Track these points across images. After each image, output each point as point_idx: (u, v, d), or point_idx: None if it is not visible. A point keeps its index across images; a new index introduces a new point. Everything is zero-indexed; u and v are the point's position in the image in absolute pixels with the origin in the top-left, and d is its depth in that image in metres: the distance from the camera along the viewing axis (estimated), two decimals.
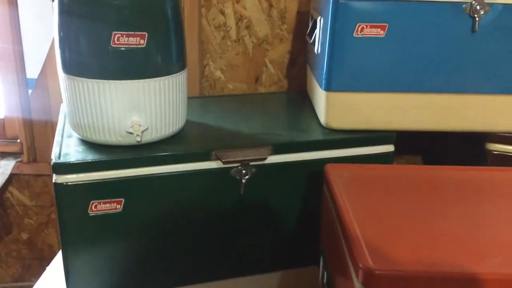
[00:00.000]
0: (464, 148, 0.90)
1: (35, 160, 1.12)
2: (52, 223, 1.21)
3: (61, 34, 0.64)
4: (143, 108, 0.66)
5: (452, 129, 0.78)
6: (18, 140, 1.09)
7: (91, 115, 0.66)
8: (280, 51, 1.08)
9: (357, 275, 0.43)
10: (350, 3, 0.71)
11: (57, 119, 1.08)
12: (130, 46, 0.63)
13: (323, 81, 0.76)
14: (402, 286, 0.41)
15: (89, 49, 0.63)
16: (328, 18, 0.73)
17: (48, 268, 0.85)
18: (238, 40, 1.07)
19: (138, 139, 0.66)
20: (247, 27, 1.06)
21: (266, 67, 1.09)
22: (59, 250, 1.21)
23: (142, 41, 0.63)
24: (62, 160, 0.64)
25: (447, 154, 0.88)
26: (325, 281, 0.59)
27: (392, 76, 0.74)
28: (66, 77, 0.66)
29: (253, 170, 0.71)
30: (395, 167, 0.66)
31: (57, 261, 0.84)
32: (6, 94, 1.06)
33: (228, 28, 1.06)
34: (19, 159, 1.10)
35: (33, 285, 1.28)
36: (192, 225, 0.71)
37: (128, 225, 0.68)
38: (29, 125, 1.09)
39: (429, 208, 0.54)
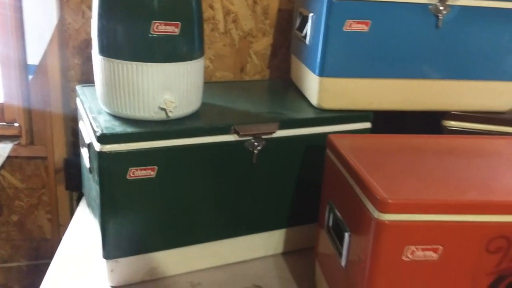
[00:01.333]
0: (424, 125, 1.08)
1: (32, 143, 1.17)
2: (42, 205, 1.25)
3: (103, 23, 0.73)
4: (174, 87, 0.77)
5: (420, 109, 0.96)
6: (17, 124, 1.14)
7: (128, 94, 0.75)
8: (263, 44, 1.21)
9: (375, 207, 0.57)
10: (342, 3, 0.85)
11: (56, 105, 1.15)
12: (167, 33, 0.73)
13: (317, 68, 0.90)
14: (409, 211, 0.57)
15: (131, 36, 0.73)
16: (322, 15, 0.87)
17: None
18: (226, 33, 1.18)
19: (171, 114, 0.77)
20: (234, 21, 1.18)
21: (251, 58, 1.21)
22: (49, 232, 1.27)
23: (176, 30, 0.74)
24: (106, 131, 0.73)
25: (412, 131, 1.06)
26: (331, 224, 0.73)
27: (373, 64, 0.90)
28: (104, 60, 0.75)
29: (264, 142, 0.84)
30: (383, 135, 0.82)
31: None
32: (6, 79, 1.10)
33: (217, 22, 1.17)
34: (17, 142, 1.15)
35: (22, 266, 1.32)
36: (213, 189, 0.83)
37: (160, 189, 0.78)
38: (27, 109, 1.13)
39: (421, 162, 0.70)
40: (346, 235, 0.66)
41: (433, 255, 0.58)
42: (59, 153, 1.18)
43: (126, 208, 0.77)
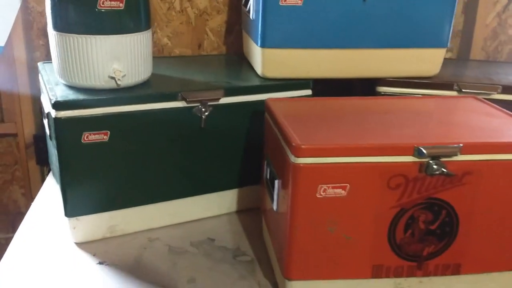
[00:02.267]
0: (362, 92, 1.17)
1: (2, 121, 1.24)
2: (16, 180, 1.33)
3: (55, 0, 0.81)
4: (122, 57, 0.85)
5: (354, 76, 1.05)
6: None
7: (80, 65, 0.83)
8: (218, 21, 1.28)
9: (292, 152, 0.66)
10: None
11: (23, 84, 1.22)
12: (112, 8, 0.81)
13: (259, 40, 0.98)
14: (320, 155, 0.66)
15: (79, 11, 0.80)
16: None
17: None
18: (182, 11, 1.26)
19: (119, 82, 0.85)
20: (189, 0, 1.25)
21: (207, 35, 1.29)
22: (24, 205, 1.34)
23: (121, 4, 0.81)
24: (60, 99, 0.81)
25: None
26: (268, 176, 0.82)
27: (309, 36, 0.98)
28: (57, 35, 0.83)
29: (210, 108, 0.92)
30: (314, 98, 0.91)
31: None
32: None
33: (173, 0, 1.24)
34: None
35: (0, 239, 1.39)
36: (165, 152, 0.91)
37: (114, 152, 0.86)
38: None
39: (339, 117, 0.79)
40: (276, 182, 0.75)
41: (342, 192, 0.68)
42: (29, 130, 1.25)
43: (83, 170, 0.85)
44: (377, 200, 0.69)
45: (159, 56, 1.26)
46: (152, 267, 0.86)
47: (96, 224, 0.91)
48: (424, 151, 0.66)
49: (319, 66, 1.02)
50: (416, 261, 0.73)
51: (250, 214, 1.04)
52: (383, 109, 0.85)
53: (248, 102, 0.96)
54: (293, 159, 0.67)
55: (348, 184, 0.68)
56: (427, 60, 1.04)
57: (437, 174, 0.68)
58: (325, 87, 1.10)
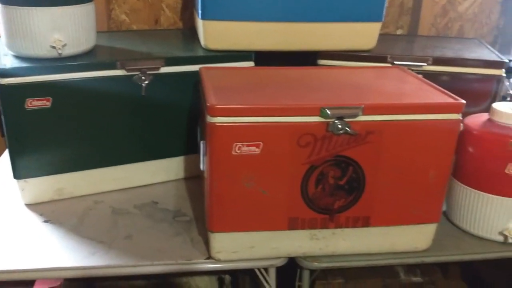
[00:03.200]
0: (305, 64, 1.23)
1: None
2: None
3: None
4: (62, 28, 0.90)
5: (295, 49, 1.10)
6: None
7: (23, 35, 0.88)
8: None
9: (208, 112, 0.72)
10: None
11: None
12: None
13: (200, 12, 1.03)
14: (234, 115, 0.72)
15: None
16: None
17: None
18: None
19: (60, 51, 0.90)
20: None
21: (163, 11, 1.34)
22: None
23: None
24: (3, 67, 0.86)
25: None
26: (199, 139, 0.88)
27: (248, 8, 1.03)
28: (3, 7, 0.88)
29: (151, 77, 0.98)
30: (248, 67, 0.96)
31: None
32: None
33: None
34: None
35: None
36: (108, 118, 0.97)
37: (57, 118, 0.92)
38: None
39: (264, 83, 0.84)
40: (201, 143, 0.81)
41: (256, 150, 0.74)
42: None
43: (28, 134, 0.91)
44: (289, 157, 0.75)
45: (115, 31, 1.31)
46: (94, 225, 0.92)
47: (44, 186, 0.97)
48: (329, 111, 0.73)
49: (260, 39, 1.07)
50: (328, 214, 0.80)
51: (197, 181, 1.11)
52: (307, 78, 0.91)
53: (189, 72, 1.02)
54: (209, 118, 0.72)
55: (261, 142, 0.74)
56: (363, 34, 1.10)
57: (342, 133, 0.74)
58: (271, 60, 1.15)
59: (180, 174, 1.11)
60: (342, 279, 0.98)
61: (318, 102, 0.74)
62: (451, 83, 1.09)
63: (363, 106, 0.73)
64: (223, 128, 0.73)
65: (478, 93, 1.10)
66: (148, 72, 0.97)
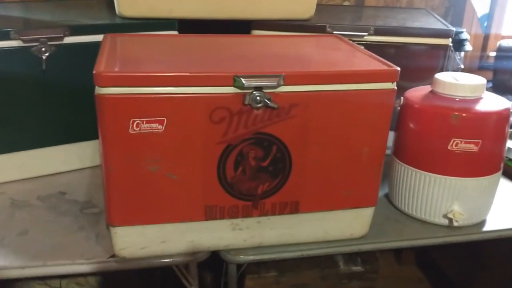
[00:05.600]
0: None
1: None
2: None
3: None
4: None
5: (223, 17, 0.98)
6: None
7: None
8: None
9: (95, 82, 0.60)
10: None
11: None
12: None
13: None
14: (128, 84, 0.59)
15: None
16: None
17: None
18: None
19: None
20: None
21: None
22: None
23: None
24: None
25: None
26: None
27: None
28: None
29: (52, 48, 0.84)
30: (158, 34, 0.84)
31: None
32: None
33: None
34: None
35: None
36: (3, 98, 0.83)
37: None
38: None
39: (172, 52, 0.72)
40: None
41: (159, 127, 0.62)
42: None
43: None
44: (201, 135, 0.64)
45: (25, 1, 1.16)
46: None
47: None
48: (244, 80, 0.61)
49: (183, 5, 0.95)
50: (251, 200, 0.69)
51: None
52: (228, 46, 0.79)
53: (98, 43, 0.88)
54: (97, 89, 0.60)
55: (165, 118, 0.62)
56: (300, 2, 0.99)
57: (261, 106, 0.63)
58: (202, 32, 1.03)
59: (96, 160, 0.98)
60: (275, 272, 0.89)
61: (232, 70, 0.63)
62: (397, 55, 1.00)
63: (283, 74, 0.63)
64: (115, 101, 0.60)
65: (425, 65, 1.02)
66: (49, 43, 0.83)
